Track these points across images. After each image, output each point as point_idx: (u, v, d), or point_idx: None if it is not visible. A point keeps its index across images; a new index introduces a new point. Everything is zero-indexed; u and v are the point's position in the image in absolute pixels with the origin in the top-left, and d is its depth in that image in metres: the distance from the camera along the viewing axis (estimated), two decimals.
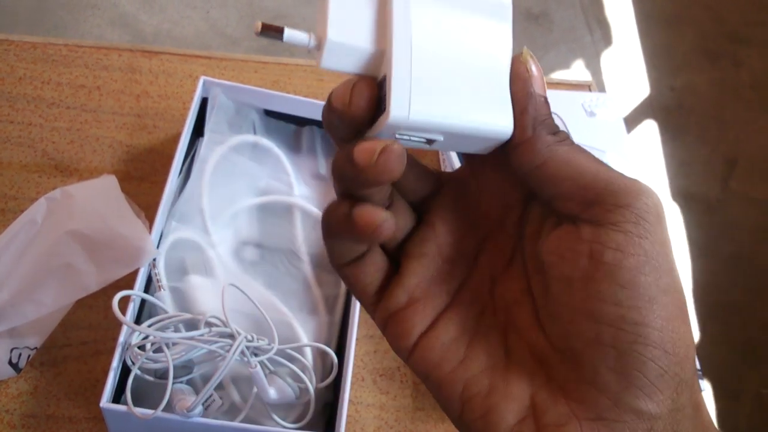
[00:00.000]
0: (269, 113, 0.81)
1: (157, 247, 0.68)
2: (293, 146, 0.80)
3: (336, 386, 0.66)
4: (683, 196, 2.05)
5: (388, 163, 0.29)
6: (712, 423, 0.31)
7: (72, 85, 0.83)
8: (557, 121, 0.80)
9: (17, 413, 0.64)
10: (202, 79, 0.77)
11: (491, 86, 0.31)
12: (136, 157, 0.79)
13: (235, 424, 0.60)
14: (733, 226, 2.03)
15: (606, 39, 2.38)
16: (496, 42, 0.31)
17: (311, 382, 0.63)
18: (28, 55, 0.84)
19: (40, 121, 0.79)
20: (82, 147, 0.77)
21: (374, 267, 0.34)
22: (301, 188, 0.77)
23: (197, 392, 0.62)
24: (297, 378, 0.63)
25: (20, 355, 0.65)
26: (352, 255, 0.34)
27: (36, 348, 0.66)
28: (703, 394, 0.66)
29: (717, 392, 1.69)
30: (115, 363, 0.59)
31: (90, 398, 0.66)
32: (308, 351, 0.65)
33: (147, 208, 0.75)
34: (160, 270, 0.67)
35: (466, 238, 0.35)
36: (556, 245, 0.32)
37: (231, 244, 0.72)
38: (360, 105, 0.30)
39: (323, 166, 0.79)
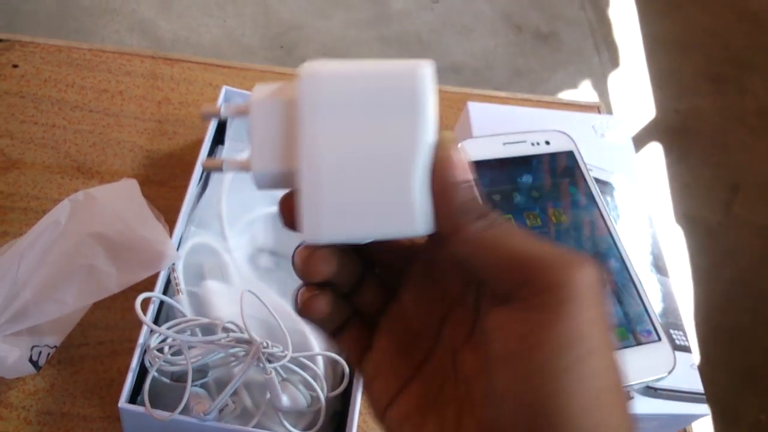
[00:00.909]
0: None
1: (177, 250, 0.69)
2: None
3: (346, 395, 0.66)
4: (686, 219, 2.06)
5: (313, 266, 0.33)
6: None
7: (95, 89, 0.84)
8: (564, 141, 0.81)
9: (33, 410, 0.65)
10: (224, 88, 0.78)
11: (404, 189, 0.30)
12: (156, 162, 0.80)
13: (250, 429, 0.61)
14: (735, 251, 2.04)
15: (613, 61, 2.40)
16: (408, 138, 0.30)
17: (322, 391, 0.64)
18: (53, 58, 0.85)
19: (64, 123, 0.81)
20: (104, 150, 0.78)
21: (351, 339, 0.36)
22: None
23: (211, 396, 0.63)
24: (308, 386, 0.64)
25: (40, 353, 0.66)
26: (329, 328, 0.36)
27: (55, 347, 0.67)
28: (703, 418, 0.67)
29: (716, 416, 1.70)
30: (134, 364, 0.60)
31: (105, 398, 0.67)
32: (320, 360, 0.66)
33: (166, 213, 0.76)
34: (179, 274, 0.68)
35: (431, 312, 0.36)
36: (493, 322, 0.31)
37: (247, 251, 0.73)
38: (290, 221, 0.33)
39: None
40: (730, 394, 1.77)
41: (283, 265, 0.73)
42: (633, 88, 2.35)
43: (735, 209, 2.11)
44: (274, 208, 0.76)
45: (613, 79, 2.36)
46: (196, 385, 0.64)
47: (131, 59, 0.88)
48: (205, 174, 0.76)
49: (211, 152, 0.77)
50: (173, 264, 0.68)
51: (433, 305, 0.36)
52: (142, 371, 0.62)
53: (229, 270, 0.70)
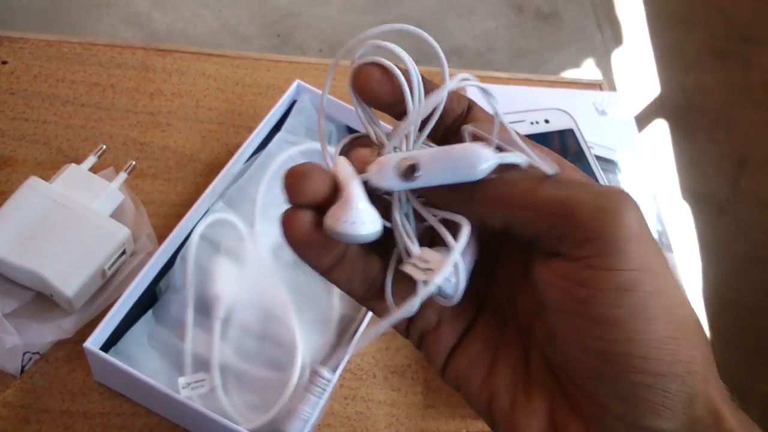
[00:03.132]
0: (351, 131, 0.82)
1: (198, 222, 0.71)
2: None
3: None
4: (694, 195, 2.05)
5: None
6: (738, 429, 0.30)
7: (86, 83, 0.83)
8: (564, 119, 0.81)
9: (32, 408, 0.64)
10: (296, 82, 0.80)
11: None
12: (150, 155, 0.79)
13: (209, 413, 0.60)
14: (743, 226, 2.03)
15: (616, 38, 2.38)
16: None
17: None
18: (43, 53, 0.84)
19: (55, 118, 0.80)
20: (97, 144, 0.77)
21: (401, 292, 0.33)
22: None
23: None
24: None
25: (30, 359, 0.66)
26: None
27: (38, 353, 0.66)
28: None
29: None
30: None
31: (104, 394, 0.66)
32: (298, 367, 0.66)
33: (161, 205, 0.76)
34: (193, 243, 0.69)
35: (484, 248, 0.34)
36: (541, 275, 0.31)
37: (273, 241, 0.72)
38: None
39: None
40: (741, 369, 1.76)
41: (303, 266, 0.72)
42: (637, 66, 2.33)
43: (742, 184, 2.10)
44: None
45: (617, 57, 2.34)
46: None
47: (122, 51, 0.87)
48: (250, 156, 0.77)
49: (268, 138, 0.78)
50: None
51: (485, 242, 0.34)
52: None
53: (246, 253, 0.70)
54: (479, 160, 0.29)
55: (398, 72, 0.32)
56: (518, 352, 0.33)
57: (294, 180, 0.30)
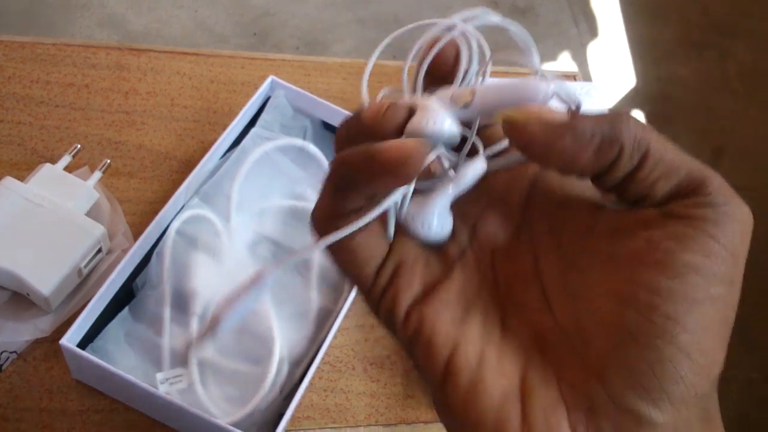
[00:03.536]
0: (327, 126, 0.83)
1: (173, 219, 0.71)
2: None
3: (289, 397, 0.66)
4: None
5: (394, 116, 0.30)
6: None
7: (61, 83, 0.83)
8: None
9: (11, 407, 0.65)
10: (270, 78, 0.80)
11: None
12: (125, 154, 0.80)
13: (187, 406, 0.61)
14: None
15: (592, 31, 2.39)
16: None
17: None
18: (17, 55, 0.84)
19: (30, 119, 0.80)
20: (72, 145, 0.77)
21: (374, 237, 0.32)
22: None
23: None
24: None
25: (8, 358, 0.66)
26: (355, 207, 0.31)
27: (15, 352, 0.66)
28: None
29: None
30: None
31: (83, 392, 0.66)
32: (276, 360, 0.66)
33: (137, 203, 0.76)
34: (169, 240, 0.69)
35: (466, 206, 0.34)
36: (607, 225, 0.29)
37: (250, 236, 0.73)
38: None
39: None
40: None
41: (280, 258, 0.73)
42: (613, 58, 2.35)
43: (720, 173, 2.11)
44: (289, 203, 0.76)
45: (592, 49, 2.35)
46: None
47: (96, 52, 0.87)
48: (224, 152, 0.77)
49: (242, 134, 0.79)
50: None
51: (468, 200, 0.33)
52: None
53: (223, 248, 0.71)
54: (538, 87, 0.30)
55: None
56: (494, 312, 0.32)
57: (375, 113, 0.30)
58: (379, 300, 0.32)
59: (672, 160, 0.28)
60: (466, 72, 0.33)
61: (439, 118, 0.30)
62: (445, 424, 0.31)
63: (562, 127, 0.27)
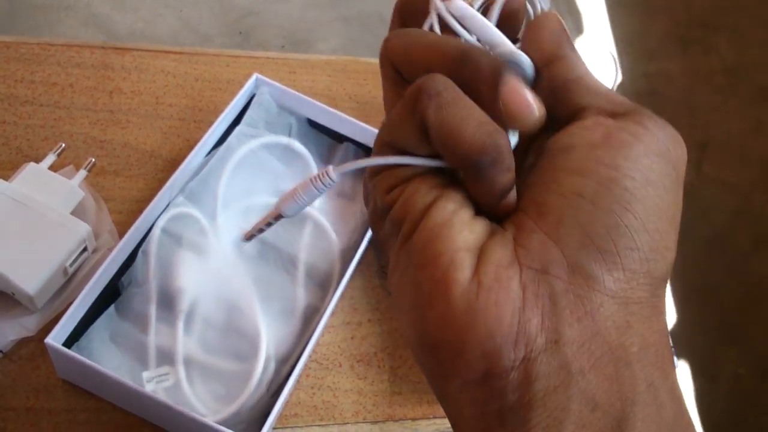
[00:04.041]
0: (312, 124, 0.83)
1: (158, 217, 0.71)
2: (326, 159, 0.81)
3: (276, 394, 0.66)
4: None
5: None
6: (668, 336, 0.30)
7: (45, 83, 0.83)
8: None
9: None
10: (254, 75, 0.80)
11: None
12: (111, 153, 0.79)
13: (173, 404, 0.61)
14: (707, 210, 2.05)
15: (577, 27, 2.40)
16: None
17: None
18: (1, 55, 0.84)
19: (14, 119, 0.79)
20: (56, 143, 0.77)
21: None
22: (322, 201, 0.78)
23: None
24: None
25: None
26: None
27: (1, 351, 0.66)
28: (681, 375, 0.67)
29: (695, 373, 1.71)
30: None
31: (69, 391, 0.66)
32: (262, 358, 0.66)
33: (123, 202, 0.76)
34: (154, 238, 0.69)
35: None
36: (569, 129, 0.31)
37: (236, 234, 0.73)
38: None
39: (349, 185, 0.80)
40: (709, 351, 1.79)
41: (266, 255, 0.73)
42: (598, 54, 2.35)
43: (705, 169, 2.12)
44: (274, 199, 0.76)
45: (578, 46, 2.35)
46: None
47: (81, 51, 0.86)
48: (210, 150, 0.77)
49: (227, 132, 0.79)
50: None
51: None
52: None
53: (209, 247, 0.70)
54: None
55: None
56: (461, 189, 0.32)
57: None
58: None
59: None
60: None
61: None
62: (399, 270, 0.31)
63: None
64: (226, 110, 0.77)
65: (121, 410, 0.66)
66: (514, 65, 0.33)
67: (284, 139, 0.78)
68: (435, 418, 0.72)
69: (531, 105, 0.30)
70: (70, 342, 0.64)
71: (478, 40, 0.34)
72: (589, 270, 0.27)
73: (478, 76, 0.30)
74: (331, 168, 0.34)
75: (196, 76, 0.88)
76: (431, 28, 0.35)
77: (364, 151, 0.82)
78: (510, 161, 0.30)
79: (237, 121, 0.79)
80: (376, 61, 0.93)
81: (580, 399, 0.27)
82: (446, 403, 0.30)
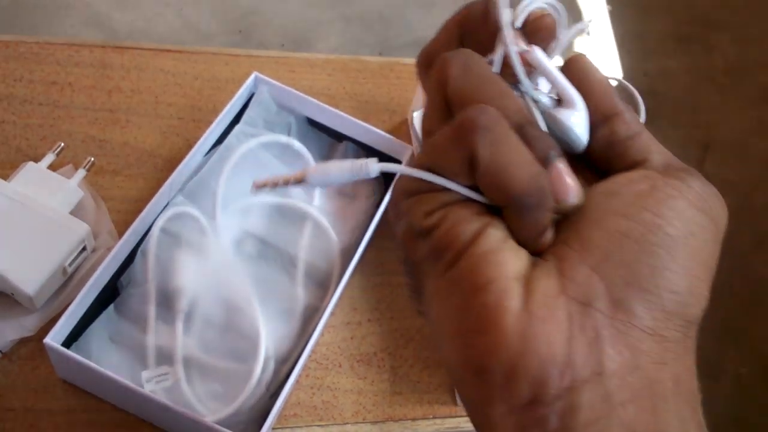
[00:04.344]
0: (311, 123, 0.82)
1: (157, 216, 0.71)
2: (325, 158, 0.81)
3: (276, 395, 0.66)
4: None
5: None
6: (696, 375, 0.31)
7: (44, 82, 0.83)
8: None
9: None
10: (254, 74, 0.80)
11: None
12: (110, 152, 0.79)
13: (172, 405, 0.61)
14: None
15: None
16: None
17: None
18: (0, 54, 0.84)
19: (13, 118, 0.79)
20: (55, 143, 0.77)
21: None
22: (322, 200, 0.78)
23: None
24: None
25: None
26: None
27: (1, 352, 0.66)
28: None
29: (697, 372, 1.70)
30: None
31: (68, 391, 0.66)
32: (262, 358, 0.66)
33: (122, 201, 0.76)
34: (153, 238, 0.69)
35: None
36: (616, 177, 0.33)
37: (235, 234, 0.73)
38: None
39: (350, 185, 0.80)
40: (711, 350, 1.78)
41: (265, 255, 0.73)
42: (599, 53, 2.35)
43: (707, 168, 2.12)
44: (274, 200, 0.76)
45: (579, 44, 2.35)
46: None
47: (80, 50, 0.86)
48: (209, 149, 0.77)
49: (227, 131, 0.79)
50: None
51: None
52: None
53: (208, 245, 0.70)
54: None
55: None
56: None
57: None
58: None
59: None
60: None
61: None
62: (441, 294, 0.32)
63: None
64: (225, 109, 0.77)
65: (120, 410, 0.66)
66: (570, 131, 0.34)
67: (283, 138, 0.78)
68: (435, 418, 0.72)
69: (573, 191, 0.32)
70: (69, 342, 0.64)
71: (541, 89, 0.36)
72: (631, 307, 0.29)
73: (530, 148, 0.31)
74: (374, 160, 0.34)
75: (195, 75, 0.87)
76: (491, 62, 0.35)
77: (364, 150, 0.82)
78: (551, 202, 0.31)
79: (236, 120, 0.79)
80: (375, 59, 0.94)
81: (620, 429, 0.28)
82: (486, 428, 0.31)
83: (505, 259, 0.30)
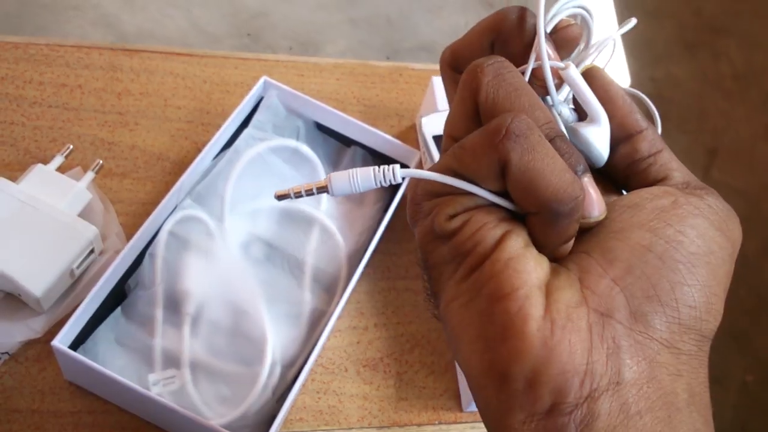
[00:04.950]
0: (319, 127, 0.83)
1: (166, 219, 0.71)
2: (334, 163, 0.81)
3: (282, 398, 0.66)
4: None
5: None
6: (708, 388, 0.31)
7: (54, 84, 0.83)
8: None
9: (2, 408, 0.64)
10: (263, 78, 0.80)
11: None
12: (119, 155, 0.79)
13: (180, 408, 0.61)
14: None
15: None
16: None
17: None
18: (10, 55, 0.84)
19: (23, 119, 0.80)
20: (64, 145, 0.77)
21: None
22: (329, 205, 0.78)
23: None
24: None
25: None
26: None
27: (7, 353, 0.66)
28: None
29: (708, 387, 1.70)
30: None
31: (75, 393, 0.66)
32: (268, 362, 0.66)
33: (130, 204, 0.76)
34: (161, 240, 0.69)
35: None
36: (639, 192, 0.34)
37: (243, 237, 0.73)
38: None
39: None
40: (717, 357, 1.77)
41: (273, 259, 0.73)
42: (606, 59, 2.34)
43: (714, 174, 2.12)
44: (282, 204, 0.76)
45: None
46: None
47: (89, 52, 0.87)
48: (217, 153, 0.77)
49: (235, 135, 0.78)
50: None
51: None
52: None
53: (215, 249, 0.70)
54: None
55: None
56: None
57: None
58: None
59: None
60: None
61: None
62: (461, 299, 0.32)
63: None
64: (234, 113, 0.77)
65: (126, 413, 0.66)
66: (592, 146, 0.35)
67: (292, 143, 0.78)
68: (440, 423, 0.72)
69: (597, 205, 0.33)
70: (76, 344, 0.64)
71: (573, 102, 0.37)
72: (650, 319, 0.30)
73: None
74: (398, 167, 0.34)
75: (204, 78, 0.88)
76: (522, 72, 0.35)
77: (372, 155, 0.82)
78: (581, 212, 0.32)
79: (245, 124, 0.79)
80: (384, 64, 0.94)
81: None
82: None
83: (529, 267, 0.30)
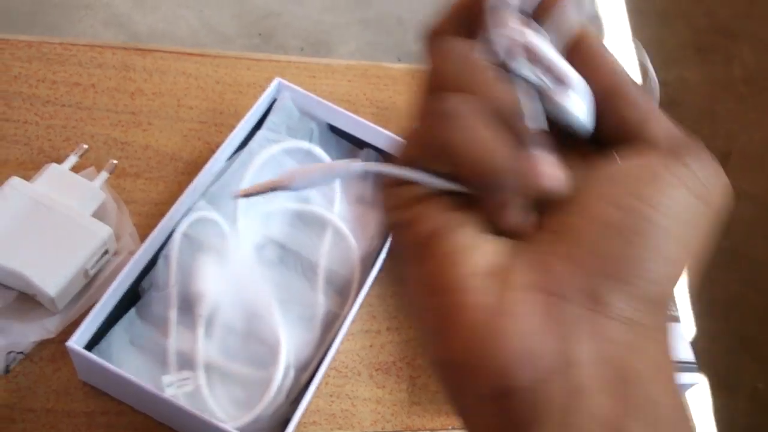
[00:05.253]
0: (333, 129, 0.82)
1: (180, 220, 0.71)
2: None
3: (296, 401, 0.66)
4: None
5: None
6: (671, 357, 0.31)
7: (67, 83, 0.83)
8: None
9: (17, 408, 0.64)
10: (277, 80, 0.80)
11: None
12: (132, 154, 0.79)
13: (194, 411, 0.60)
14: (728, 221, 2.04)
15: (597, 34, 2.39)
16: None
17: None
18: (23, 54, 0.84)
19: (36, 119, 0.79)
20: (78, 144, 0.77)
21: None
22: (342, 207, 0.77)
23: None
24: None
25: (14, 358, 0.65)
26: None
27: (22, 353, 0.66)
28: (700, 389, 0.67)
29: (714, 386, 1.70)
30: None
31: (89, 393, 0.66)
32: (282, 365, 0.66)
33: (143, 204, 0.76)
34: (176, 242, 0.69)
35: None
36: (619, 163, 0.32)
37: (256, 239, 0.73)
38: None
39: (370, 191, 0.80)
40: (728, 364, 1.77)
41: (286, 261, 0.73)
42: (618, 62, 2.34)
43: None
44: (295, 206, 0.76)
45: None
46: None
47: (102, 52, 0.86)
48: (231, 154, 0.77)
49: (249, 136, 0.78)
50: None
51: None
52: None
53: (229, 251, 0.70)
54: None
55: None
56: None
57: None
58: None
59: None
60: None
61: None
62: (409, 288, 0.32)
63: None
64: (248, 114, 0.77)
65: (140, 414, 0.66)
66: (567, 113, 0.33)
67: (305, 145, 0.78)
68: (454, 429, 0.72)
69: (548, 178, 0.31)
70: (91, 345, 0.64)
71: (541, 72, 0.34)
72: (608, 298, 0.28)
73: (510, 136, 0.31)
74: (356, 161, 0.34)
75: (217, 78, 0.87)
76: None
77: (384, 157, 0.82)
78: (521, 184, 0.31)
79: (258, 125, 0.79)
80: (396, 66, 0.93)
81: (590, 419, 0.28)
82: (462, 416, 0.31)
83: (471, 256, 0.30)
